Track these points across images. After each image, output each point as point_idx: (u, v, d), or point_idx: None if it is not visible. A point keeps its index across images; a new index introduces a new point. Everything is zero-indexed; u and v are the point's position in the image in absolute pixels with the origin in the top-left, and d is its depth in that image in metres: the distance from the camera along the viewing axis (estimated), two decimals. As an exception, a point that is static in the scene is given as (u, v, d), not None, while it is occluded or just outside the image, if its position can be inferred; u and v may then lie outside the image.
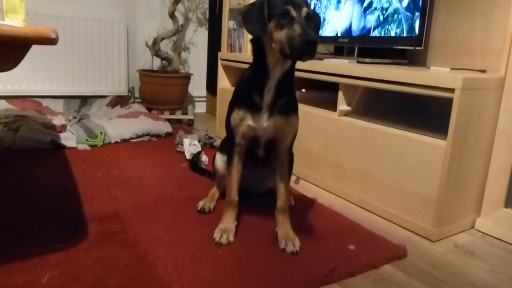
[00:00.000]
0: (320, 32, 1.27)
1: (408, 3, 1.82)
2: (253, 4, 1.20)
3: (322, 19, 2.28)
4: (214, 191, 1.61)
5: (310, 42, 1.06)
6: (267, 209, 1.48)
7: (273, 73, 1.23)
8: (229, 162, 1.36)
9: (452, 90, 1.35)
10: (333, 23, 2.23)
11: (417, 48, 1.83)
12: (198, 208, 1.52)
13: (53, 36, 0.91)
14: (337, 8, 2.20)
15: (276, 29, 1.14)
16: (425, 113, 1.79)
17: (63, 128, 2.35)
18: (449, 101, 1.37)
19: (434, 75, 1.41)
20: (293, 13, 1.12)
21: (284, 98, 1.26)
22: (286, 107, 1.27)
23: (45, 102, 2.88)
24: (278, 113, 1.26)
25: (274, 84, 1.24)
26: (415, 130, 1.55)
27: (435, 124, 1.54)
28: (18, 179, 1.73)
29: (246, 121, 1.27)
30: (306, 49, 1.08)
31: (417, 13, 1.80)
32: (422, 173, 1.46)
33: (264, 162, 1.43)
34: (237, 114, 1.28)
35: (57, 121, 2.48)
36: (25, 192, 1.60)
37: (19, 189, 1.63)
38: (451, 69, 1.71)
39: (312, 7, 1.21)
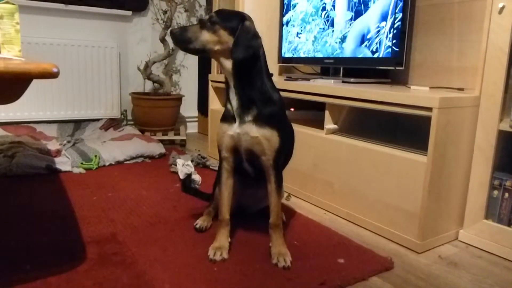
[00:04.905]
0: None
1: (390, 26, 1.93)
2: None
3: (310, 40, 2.39)
4: (210, 210, 1.66)
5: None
6: (260, 225, 1.54)
7: (228, 79, 1.35)
8: (219, 181, 1.44)
9: (430, 109, 1.43)
10: (320, 45, 2.33)
11: (398, 68, 1.93)
12: (197, 226, 1.57)
13: (55, 70, 0.98)
14: (322, 28, 2.30)
15: None
16: (408, 130, 1.88)
17: (57, 152, 2.40)
18: (429, 119, 1.45)
19: (413, 95, 1.50)
20: None
21: (255, 110, 1.32)
22: (262, 119, 1.32)
23: (39, 127, 2.92)
24: (252, 122, 1.32)
25: (234, 91, 1.34)
26: (399, 147, 1.63)
27: (417, 140, 1.62)
28: (15, 204, 1.77)
29: (226, 131, 1.37)
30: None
31: (398, 35, 1.90)
32: (405, 188, 1.53)
33: (258, 181, 1.49)
34: (220, 129, 1.39)
35: (52, 145, 2.52)
36: (23, 217, 1.64)
37: (17, 214, 1.67)
38: (431, 88, 1.80)
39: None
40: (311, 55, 2.39)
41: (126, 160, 2.52)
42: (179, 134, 3.23)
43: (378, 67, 2.06)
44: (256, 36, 1.30)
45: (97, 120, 3.17)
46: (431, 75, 1.98)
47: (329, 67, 2.35)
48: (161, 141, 2.92)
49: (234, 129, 1.35)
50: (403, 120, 1.87)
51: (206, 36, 1.30)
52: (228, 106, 1.37)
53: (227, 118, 1.38)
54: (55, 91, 3.00)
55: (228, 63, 1.32)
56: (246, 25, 1.28)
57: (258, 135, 1.33)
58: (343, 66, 2.22)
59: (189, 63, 3.67)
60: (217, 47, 1.30)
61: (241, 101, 1.34)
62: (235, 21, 1.29)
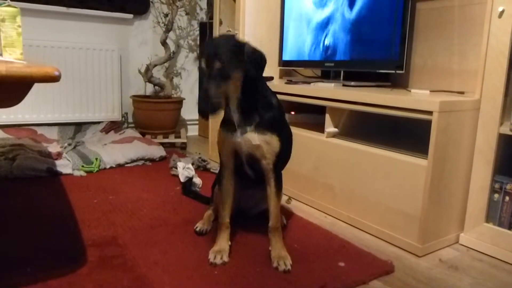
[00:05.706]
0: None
1: (390, 29, 1.93)
2: None
3: (309, 43, 2.39)
4: (210, 213, 1.66)
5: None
6: (261, 228, 1.54)
7: (230, 98, 1.32)
8: (219, 184, 1.44)
9: (430, 113, 1.44)
10: (321, 48, 2.33)
11: (398, 71, 1.93)
12: (197, 230, 1.57)
13: (56, 74, 0.99)
14: (322, 32, 2.30)
15: None
16: (409, 133, 1.88)
17: (58, 155, 2.40)
18: (429, 122, 1.45)
19: (413, 99, 1.50)
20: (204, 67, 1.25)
21: (256, 118, 1.34)
22: (263, 126, 1.34)
23: (40, 130, 2.93)
24: (253, 131, 1.34)
25: (235, 106, 1.33)
26: (399, 150, 1.63)
27: (418, 144, 1.62)
28: (16, 207, 1.77)
29: (227, 139, 1.38)
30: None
31: (398, 39, 1.90)
32: (406, 191, 1.53)
33: (257, 183, 1.49)
34: (220, 134, 1.41)
35: (52, 148, 2.53)
36: (24, 220, 1.64)
37: (18, 217, 1.67)
38: (431, 91, 1.81)
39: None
40: (311, 58, 2.39)
41: (127, 163, 2.52)
42: (179, 137, 3.24)
43: (379, 71, 2.07)
44: (255, 51, 1.29)
45: (98, 123, 3.18)
46: (432, 79, 1.98)
47: (329, 70, 2.36)
48: (162, 144, 2.93)
49: (235, 137, 1.36)
50: (404, 123, 1.87)
51: (222, 86, 1.24)
52: (230, 118, 1.36)
53: (228, 124, 1.38)
54: (56, 94, 3.01)
55: (235, 88, 1.29)
56: (246, 48, 1.27)
57: (259, 141, 1.34)
58: (343, 70, 2.23)
59: (189, 66, 3.68)
60: (231, 83, 1.27)
61: (242, 112, 1.34)
62: (234, 53, 1.24)
